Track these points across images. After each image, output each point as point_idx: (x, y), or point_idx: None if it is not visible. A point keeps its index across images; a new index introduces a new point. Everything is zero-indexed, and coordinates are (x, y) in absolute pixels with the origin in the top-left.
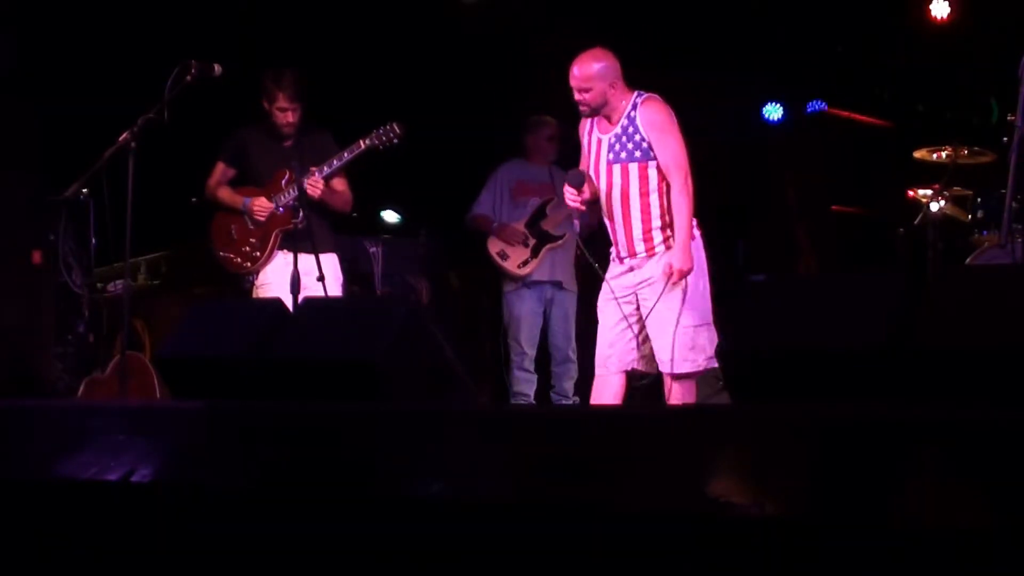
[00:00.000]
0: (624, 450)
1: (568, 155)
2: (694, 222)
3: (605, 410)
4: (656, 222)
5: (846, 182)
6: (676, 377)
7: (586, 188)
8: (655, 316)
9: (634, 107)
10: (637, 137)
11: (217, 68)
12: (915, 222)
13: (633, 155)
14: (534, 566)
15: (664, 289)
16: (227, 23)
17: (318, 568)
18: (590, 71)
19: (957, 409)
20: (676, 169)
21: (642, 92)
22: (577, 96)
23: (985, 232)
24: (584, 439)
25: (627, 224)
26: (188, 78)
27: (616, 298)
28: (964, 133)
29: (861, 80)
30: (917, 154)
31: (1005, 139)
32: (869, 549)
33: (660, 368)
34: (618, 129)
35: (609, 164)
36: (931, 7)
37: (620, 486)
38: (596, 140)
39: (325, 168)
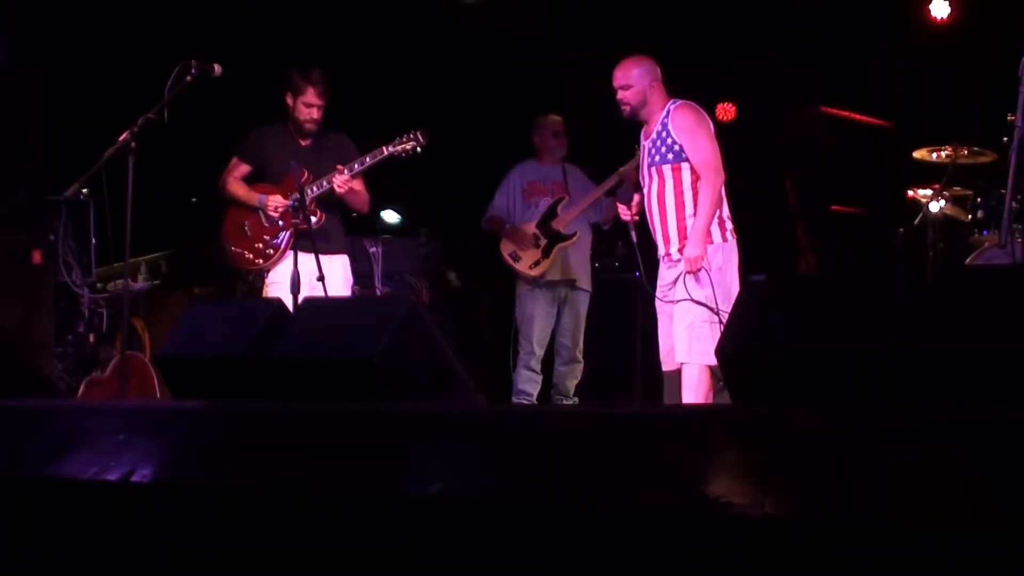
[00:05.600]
0: (624, 450)
1: (576, 151)
2: (728, 227)
3: (604, 410)
4: (690, 220)
5: (846, 182)
6: (688, 366)
7: (635, 197)
8: (680, 306)
9: (667, 113)
10: (669, 140)
11: (217, 68)
12: (915, 222)
13: (666, 157)
14: (534, 566)
15: (687, 279)
16: (226, 23)
17: (318, 568)
18: (630, 71)
19: (957, 409)
20: (706, 167)
21: (676, 100)
22: (618, 95)
23: (985, 232)
24: (584, 439)
25: (664, 222)
26: (188, 78)
27: (661, 297)
28: (964, 133)
29: (861, 80)
30: (917, 154)
31: (1005, 139)
32: (870, 549)
33: (676, 356)
34: (654, 134)
35: (648, 168)
36: (931, 7)
37: (619, 486)
38: (643, 147)
39: (356, 166)
